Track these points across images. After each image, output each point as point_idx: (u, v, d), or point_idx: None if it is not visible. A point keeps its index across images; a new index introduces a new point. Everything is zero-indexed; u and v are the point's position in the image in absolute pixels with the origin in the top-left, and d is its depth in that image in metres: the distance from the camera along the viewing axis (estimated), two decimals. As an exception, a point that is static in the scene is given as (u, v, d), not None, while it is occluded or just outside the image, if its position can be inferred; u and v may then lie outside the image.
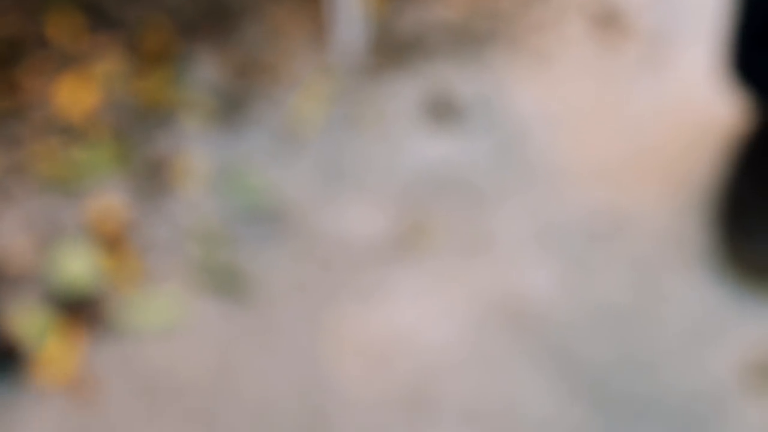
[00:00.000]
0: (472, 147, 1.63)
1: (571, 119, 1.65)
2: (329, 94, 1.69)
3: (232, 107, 1.67)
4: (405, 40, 1.74)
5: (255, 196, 1.59)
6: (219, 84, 1.70)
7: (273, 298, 1.49)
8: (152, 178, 1.60)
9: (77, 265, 1.52)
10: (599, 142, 1.63)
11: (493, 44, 1.74)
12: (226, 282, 1.51)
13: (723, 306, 1.47)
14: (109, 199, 1.59)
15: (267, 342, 1.45)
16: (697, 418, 1.39)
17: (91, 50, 1.72)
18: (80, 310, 1.49)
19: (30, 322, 1.47)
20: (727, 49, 1.57)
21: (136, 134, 1.65)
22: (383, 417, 1.39)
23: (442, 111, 1.67)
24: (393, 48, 1.73)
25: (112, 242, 1.55)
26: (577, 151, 1.62)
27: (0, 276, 1.51)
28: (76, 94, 1.68)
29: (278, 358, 1.44)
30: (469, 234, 1.54)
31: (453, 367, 1.43)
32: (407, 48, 1.73)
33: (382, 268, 1.51)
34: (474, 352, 1.44)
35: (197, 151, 1.63)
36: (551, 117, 1.66)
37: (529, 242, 1.53)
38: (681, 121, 1.65)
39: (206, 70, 1.71)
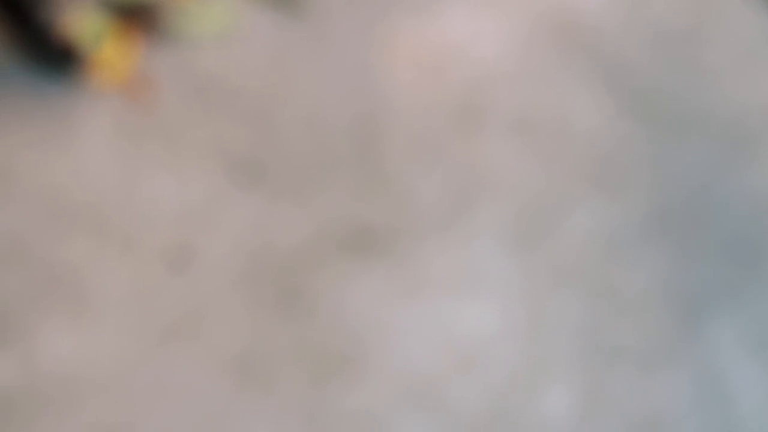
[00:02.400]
0: None
1: None
2: None
3: None
4: None
5: None
6: None
7: (327, 9, 1.49)
8: None
9: (133, -27, 1.52)
10: None
11: None
12: (280, -8, 1.51)
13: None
14: None
15: (320, 50, 1.47)
16: (745, 133, 1.40)
17: None
18: (136, 16, 1.50)
19: (86, 26, 1.49)
20: None
21: None
22: (433, 124, 1.41)
23: None
24: None
25: (168, -48, 1.55)
26: None
27: (57, -20, 1.52)
28: None
29: (331, 66, 1.45)
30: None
31: (504, 78, 1.44)
32: None
33: (436, -17, 1.51)
34: (525, 65, 1.44)
35: None
36: None
37: (586, -39, 1.52)
38: None
39: None
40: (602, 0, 1.49)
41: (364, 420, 1.27)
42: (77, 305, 1.31)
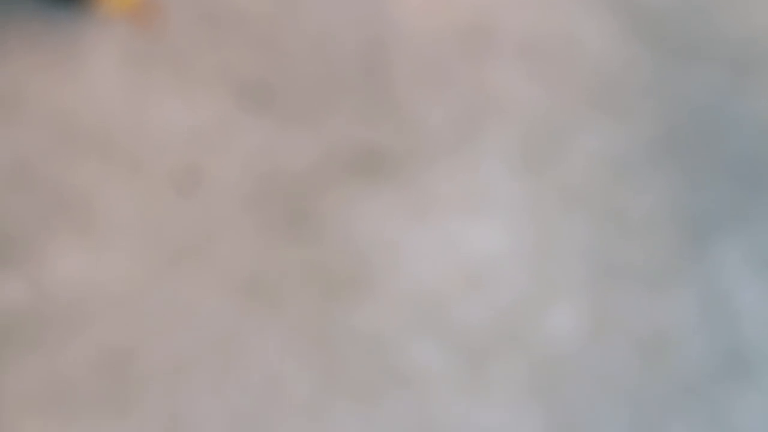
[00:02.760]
0: None
1: None
2: None
3: None
4: None
5: None
6: None
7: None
8: None
9: None
10: None
11: None
12: None
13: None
14: None
15: (328, -23, 1.46)
16: (755, 57, 1.39)
17: None
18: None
19: (95, -48, 1.49)
20: None
21: None
22: (440, 48, 1.41)
23: None
24: None
25: None
26: None
27: None
28: None
29: (338, -8, 1.45)
30: None
31: (511, 2, 1.44)
32: None
33: None
34: (533, -10, 1.44)
35: None
36: None
37: None
38: None
39: None
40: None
41: (372, 339, 1.28)
42: (85, 228, 1.32)
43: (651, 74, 1.39)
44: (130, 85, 1.40)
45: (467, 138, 1.37)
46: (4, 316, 1.27)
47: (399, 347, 1.28)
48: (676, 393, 1.27)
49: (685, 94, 1.38)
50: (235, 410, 1.25)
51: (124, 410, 1.24)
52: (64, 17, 1.44)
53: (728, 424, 1.25)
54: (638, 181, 1.35)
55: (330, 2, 1.45)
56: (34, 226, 1.32)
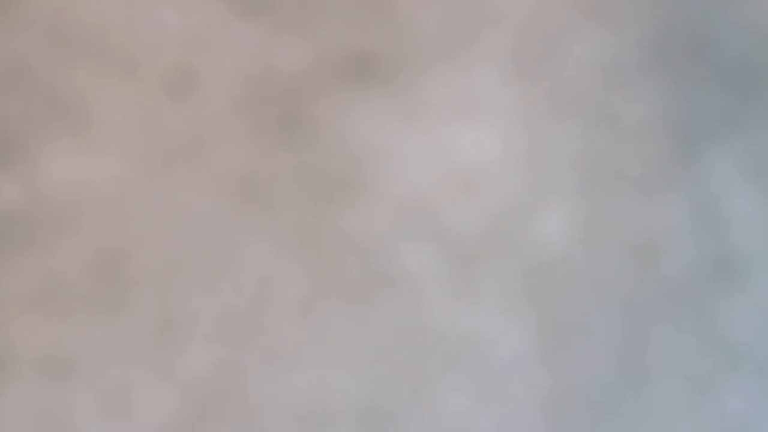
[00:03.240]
0: None
1: None
2: None
3: None
4: None
5: None
6: None
7: None
8: None
9: None
10: None
11: None
12: None
13: None
14: None
15: None
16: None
17: None
18: None
19: None
20: None
21: None
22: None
23: None
24: None
25: None
26: None
27: None
28: None
29: None
30: None
31: None
32: None
33: None
34: None
35: None
36: None
37: None
38: None
39: None
40: None
41: (363, 242, 1.29)
42: (80, 129, 1.32)
43: (645, -18, 1.39)
44: (123, -11, 1.40)
45: (461, 44, 1.37)
46: (-2, 215, 1.27)
47: (391, 250, 1.28)
48: (666, 297, 1.28)
49: (678, 1, 1.38)
50: (227, 310, 1.26)
51: (116, 309, 1.25)
52: None
53: (715, 326, 1.26)
54: (630, 88, 1.35)
55: None
56: (27, 127, 1.32)
